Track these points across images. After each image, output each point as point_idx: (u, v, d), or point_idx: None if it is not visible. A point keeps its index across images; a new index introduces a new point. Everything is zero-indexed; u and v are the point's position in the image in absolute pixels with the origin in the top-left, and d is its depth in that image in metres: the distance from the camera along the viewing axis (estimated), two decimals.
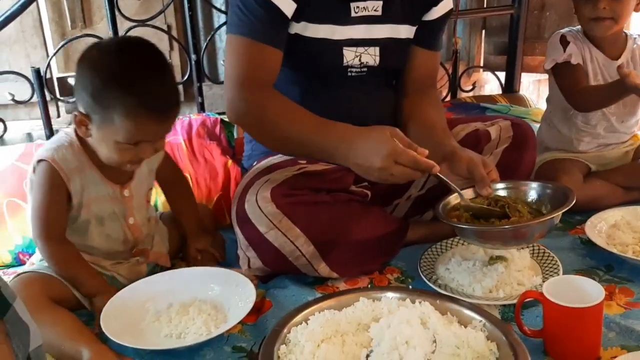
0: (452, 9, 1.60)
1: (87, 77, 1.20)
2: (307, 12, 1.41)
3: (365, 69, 1.52)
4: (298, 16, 1.41)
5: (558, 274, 1.37)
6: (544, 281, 1.28)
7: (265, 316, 1.30)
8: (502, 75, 2.60)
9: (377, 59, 1.51)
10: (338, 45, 1.46)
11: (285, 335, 1.10)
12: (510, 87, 2.57)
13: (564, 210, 1.25)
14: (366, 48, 1.49)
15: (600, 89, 1.78)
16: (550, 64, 1.84)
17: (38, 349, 0.94)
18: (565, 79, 1.82)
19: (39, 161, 1.29)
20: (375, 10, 1.47)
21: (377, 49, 1.50)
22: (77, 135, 1.30)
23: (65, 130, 1.34)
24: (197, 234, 1.52)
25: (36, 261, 1.37)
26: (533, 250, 1.48)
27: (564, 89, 1.82)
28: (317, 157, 1.37)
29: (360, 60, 1.50)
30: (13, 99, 1.97)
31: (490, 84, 3.02)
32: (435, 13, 1.56)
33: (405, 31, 1.54)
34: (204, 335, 1.20)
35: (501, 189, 1.40)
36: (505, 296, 1.31)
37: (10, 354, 0.79)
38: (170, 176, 1.51)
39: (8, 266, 1.55)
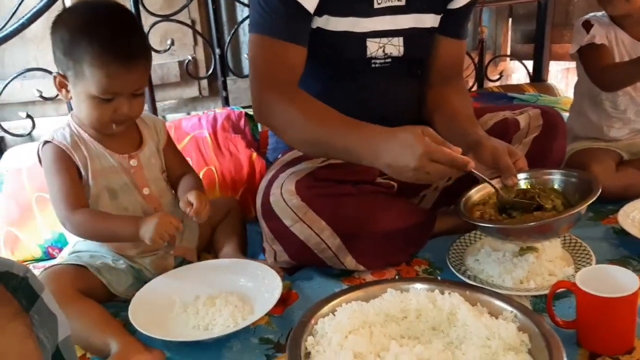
0: None
1: (57, 36, 1.26)
2: (329, 6, 1.39)
3: (389, 60, 1.50)
4: (320, 10, 1.39)
5: (591, 264, 1.33)
6: (576, 271, 1.26)
7: (291, 308, 1.29)
8: (529, 64, 2.55)
9: (402, 49, 1.49)
10: (361, 38, 1.44)
11: (312, 326, 1.09)
12: (538, 76, 2.52)
13: (589, 202, 1.22)
14: (390, 39, 1.47)
15: (625, 65, 1.74)
16: (574, 48, 1.80)
17: (66, 339, 0.94)
18: (590, 59, 1.78)
19: (43, 146, 1.32)
20: (398, 0, 1.45)
21: (401, 39, 1.48)
22: (72, 118, 1.36)
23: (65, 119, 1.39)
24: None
25: (66, 255, 1.39)
26: (565, 240, 1.45)
27: (590, 70, 1.79)
28: (345, 158, 1.34)
29: (384, 51, 1.48)
30: (41, 96, 1.99)
31: (518, 73, 2.97)
32: (461, 1, 1.53)
33: (430, 20, 1.51)
34: (231, 326, 1.20)
35: (526, 179, 1.37)
36: (537, 287, 1.28)
37: (36, 349, 0.79)
38: (176, 162, 1.49)
39: (38, 260, 1.57)
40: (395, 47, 1.48)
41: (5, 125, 1.99)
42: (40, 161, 1.35)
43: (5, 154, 1.86)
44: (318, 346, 1.04)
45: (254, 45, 1.41)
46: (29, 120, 1.98)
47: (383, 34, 1.46)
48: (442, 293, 1.14)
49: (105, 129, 1.32)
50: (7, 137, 2.05)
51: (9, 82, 1.91)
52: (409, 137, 1.19)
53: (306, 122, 1.34)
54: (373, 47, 1.46)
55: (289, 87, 1.39)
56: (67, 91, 1.30)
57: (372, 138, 1.26)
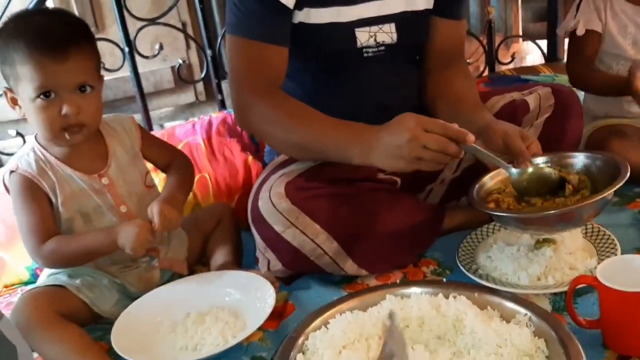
0: None
1: None
2: None
3: (382, 48, 1.38)
4: (299, 3, 1.29)
5: (616, 254, 1.20)
6: (600, 263, 1.13)
7: (287, 321, 1.20)
8: (543, 43, 2.42)
9: (394, 36, 1.38)
10: (348, 28, 1.34)
11: (302, 343, 0.99)
12: (553, 55, 2.39)
13: (617, 187, 1.10)
14: (380, 26, 1.36)
15: (604, 77, 1.66)
16: (561, 31, 1.72)
17: None
18: (571, 45, 1.72)
19: (9, 175, 1.25)
20: None
21: (393, 25, 1.37)
22: (36, 139, 1.29)
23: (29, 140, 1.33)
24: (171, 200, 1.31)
25: (44, 277, 1.31)
26: (586, 229, 1.32)
27: (568, 55, 1.74)
28: (336, 158, 1.26)
29: (375, 40, 1.37)
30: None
31: (532, 54, 2.83)
32: None
33: (422, 2, 1.39)
34: (220, 345, 1.11)
35: (544, 163, 1.25)
36: (556, 283, 1.17)
37: None
38: (160, 154, 1.41)
39: (26, 283, 1.50)
40: (387, 34, 1.37)
41: None
42: (7, 190, 1.28)
43: None
44: None
45: (232, 48, 1.33)
46: (19, 138, 1.92)
47: (372, 22, 1.35)
48: (447, 297, 1.03)
49: (58, 138, 1.22)
50: (2, 157, 2.00)
51: None
52: (399, 117, 1.16)
53: (293, 125, 1.27)
54: (363, 36, 1.35)
55: (270, 89, 1.31)
56: (20, 107, 1.23)
57: (362, 133, 1.21)
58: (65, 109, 1.18)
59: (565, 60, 2.07)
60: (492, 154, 1.18)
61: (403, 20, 1.37)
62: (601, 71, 1.69)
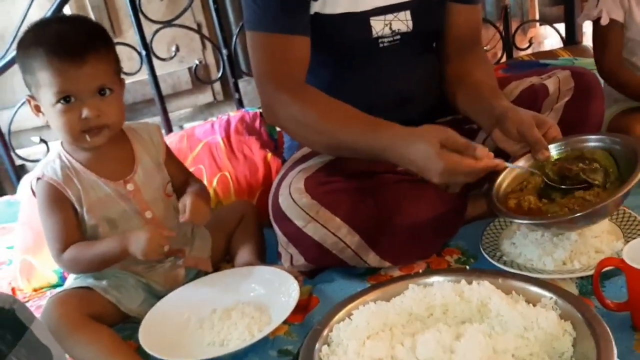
0: None
1: (17, 58, 1.26)
2: None
3: (398, 37, 1.37)
4: None
5: None
6: (626, 245, 1.10)
7: (312, 314, 1.20)
8: (561, 27, 2.38)
9: (410, 23, 1.37)
10: (363, 17, 1.33)
11: (327, 335, 0.99)
12: (571, 39, 2.34)
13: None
14: (395, 14, 1.35)
15: (633, 80, 1.65)
16: (583, 19, 1.69)
17: None
18: (596, 35, 1.69)
19: (36, 182, 1.27)
20: None
21: (408, 12, 1.36)
22: (62, 145, 1.30)
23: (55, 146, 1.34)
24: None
25: (72, 280, 1.33)
26: None
27: (594, 47, 1.71)
28: (365, 158, 1.26)
29: (390, 28, 1.36)
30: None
31: (550, 38, 2.78)
32: None
33: None
34: (247, 340, 1.12)
35: (561, 148, 1.23)
36: (582, 267, 1.15)
37: None
38: (179, 171, 1.42)
39: (54, 286, 1.53)
40: (402, 22, 1.36)
41: (22, 152, 1.97)
42: (34, 195, 1.29)
43: (22, 181, 1.84)
44: (333, 356, 0.94)
45: (253, 44, 1.32)
46: (43, 145, 1.95)
47: (387, 10, 1.34)
48: (470, 283, 1.02)
49: (79, 141, 1.24)
50: (27, 164, 2.04)
51: (17, 110, 1.89)
52: (428, 150, 1.12)
53: (325, 125, 1.26)
54: (378, 25, 1.35)
55: (297, 84, 1.30)
56: (43, 114, 1.25)
57: (393, 142, 1.19)
58: (85, 113, 1.19)
59: (582, 42, 2.05)
60: (525, 167, 1.20)
61: (418, 7, 1.36)
62: (631, 77, 1.67)
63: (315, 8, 1.31)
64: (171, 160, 1.41)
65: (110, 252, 1.23)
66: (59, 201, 1.25)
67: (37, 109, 1.26)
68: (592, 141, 1.24)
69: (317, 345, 0.96)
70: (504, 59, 2.32)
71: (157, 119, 2.06)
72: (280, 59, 1.30)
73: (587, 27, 2.44)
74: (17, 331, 0.82)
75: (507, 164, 1.15)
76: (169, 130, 2.09)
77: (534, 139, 1.18)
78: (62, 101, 1.19)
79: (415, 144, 1.14)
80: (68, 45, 1.18)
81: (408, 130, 1.17)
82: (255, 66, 1.33)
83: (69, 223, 1.26)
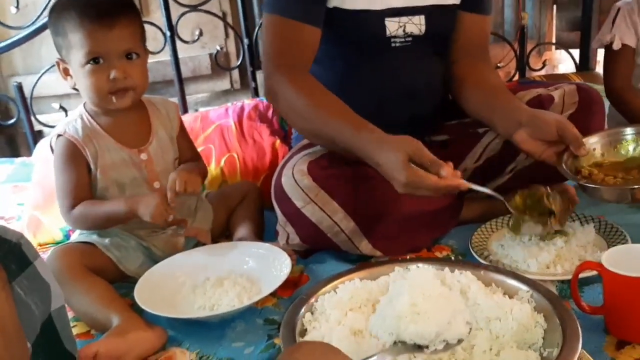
0: None
1: (49, 22, 1.32)
2: None
3: (410, 39, 1.43)
4: None
5: None
6: None
7: (300, 290, 1.25)
8: (576, 52, 2.42)
9: (423, 27, 1.43)
10: (379, 16, 1.39)
11: (312, 304, 1.04)
12: (585, 65, 2.38)
13: None
14: (410, 17, 1.41)
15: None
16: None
17: (60, 309, 0.93)
18: (608, 60, 1.74)
19: (56, 139, 1.33)
20: None
21: (422, 17, 1.42)
22: (84, 107, 1.36)
23: (78, 108, 1.39)
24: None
25: (77, 235, 1.39)
26: (600, 224, 1.34)
27: (605, 71, 1.75)
28: (344, 153, 1.30)
29: (404, 30, 1.42)
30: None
31: (565, 63, 2.83)
32: None
33: None
34: (236, 306, 1.16)
35: (594, 143, 1.30)
36: (564, 272, 1.19)
37: (6, 300, 0.78)
38: (187, 148, 1.47)
39: (58, 243, 1.58)
40: (416, 25, 1.42)
41: (41, 118, 2.03)
42: (52, 151, 1.35)
43: (38, 145, 1.90)
44: (315, 322, 0.99)
45: (268, 25, 1.38)
46: (62, 113, 2.02)
47: (402, 12, 1.40)
48: (452, 272, 1.07)
49: (105, 102, 1.29)
50: (45, 129, 2.10)
51: (41, 75, 1.96)
52: (395, 161, 1.15)
53: (312, 113, 1.31)
54: (392, 26, 1.41)
55: (299, 69, 1.35)
56: (71, 76, 1.31)
57: (368, 145, 1.22)
58: (113, 74, 1.26)
59: (595, 69, 2.09)
60: (485, 189, 1.22)
61: (432, 13, 1.42)
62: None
63: (334, 2, 1.37)
64: (183, 136, 1.46)
65: (118, 212, 1.29)
66: (76, 158, 1.31)
67: (66, 72, 1.32)
68: (621, 134, 1.32)
69: (301, 312, 1.01)
70: (516, 78, 2.37)
71: (175, 100, 2.12)
72: (288, 42, 1.35)
73: (601, 55, 2.49)
74: (22, 264, 0.86)
75: (470, 185, 1.17)
76: (185, 111, 2.14)
77: (574, 136, 1.23)
78: (91, 62, 1.25)
79: (385, 152, 1.18)
80: (99, 9, 1.24)
81: (383, 138, 1.21)
82: (265, 46, 1.39)
83: (82, 181, 1.32)
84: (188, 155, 1.46)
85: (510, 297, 1.02)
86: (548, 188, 1.26)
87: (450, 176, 1.14)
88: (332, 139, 1.28)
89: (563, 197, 1.27)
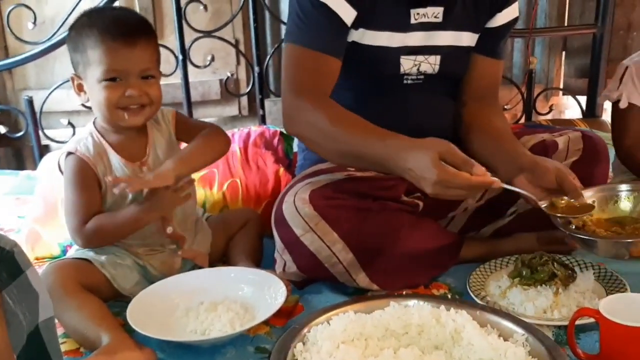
0: (517, 17, 1.52)
1: (68, 38, 1.33)
2: (367, 19, 1.37)
3: (422, 77, 1.45)
4: (357, 23, 1.37)
5: None
6: None
7: (294, 320, 1.24)
8: (583, 99, 2.44)
9: (437, 67, 1.45)
10: (396, 54, 1.41)
11: (304, 334, 1.03)
12: (591, 112, 2.40)
13: None
14: (426, 57, 1.43)
15: None
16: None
17: (48, 321, 0.92)
18: (614, 117, 1.75)
19: (66, 157, 1.33)
20: (435, 17, 1.41)
21: (438, 57, 1.44)
22: (94, 125, 1.37)
23: (87, 126, 1.40)
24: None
25: (73, 251, 1.39)
26: (599, 271, 1.33)
27: (613, 130, 1.76)
28: (375, 169, 1.31)
29: (418, 69, 1.44)
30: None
31: (572, 109, 2.84)
32: (500, 20, 1.48)
33: (467, 38, 1.46)
34: (228, 332, 1.15)
35: (590, 197, 1.29)
36: (561, 318, 1.18)
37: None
38: (193, 132, 1.43)
39: (55, 258, 1.58)
40: (430, 65, 1.44)
41: (49, 133, 2.05)
42: (60, 171, 1.35)
43: (44, 159, 1.91)
44: (306, 353, 0.98)
45: (289, 55, 1.40)
46: (70, 129, 2.04)
47: (419, 51, 1.42)
48: (448, 310, 1.06)
49: (117, 118, 1.30)
50: (52, 144, 2.12)
51: (52, 91, 1.98)
52: (425, 159, 1.15)
53: (335, 130, 1.31)
54: (407, 64, 1.43)
55: (320, 95, 1.36)
56: (85, 92, 1.32)
57: (396, 151, 1.22)
58: (129, 92, 1.27)
59: (602, 117, 2.10)
60: (522, 191, 1.23)
61: (448, 53, 1.44)
62: None
63: (353, 37, 1.39)
64: (183, 126, 1.44)
65: (132, 215, 1.29)
66: (88, 177, 1.31)
67: (80, 88, 1.33)
68: (615, 190, 1.33)
69: (293, 342, 1.00)
70: (522, 120, 2.38)
71: None
72: (310, 72, 1.37)
73: (608, 103, 2.50)
74: (13, 272, 0.86)
75: (503, 185, 1.17)
76: None
77: (572, 186, 1.23)
78: (109, 80, 1.26)
79: (414, 152, 1.18)
80: (122, 27, 1.27)
81: (413, 141, 1.22)
82: (286, 75, 1.40)
83: (95, 198, 1.32)
84: (196, 134, 1.43)
85: (505, 339, 1.01)
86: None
87: (482, 174, 1.14)
88: (358, 154, 1.28)
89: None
